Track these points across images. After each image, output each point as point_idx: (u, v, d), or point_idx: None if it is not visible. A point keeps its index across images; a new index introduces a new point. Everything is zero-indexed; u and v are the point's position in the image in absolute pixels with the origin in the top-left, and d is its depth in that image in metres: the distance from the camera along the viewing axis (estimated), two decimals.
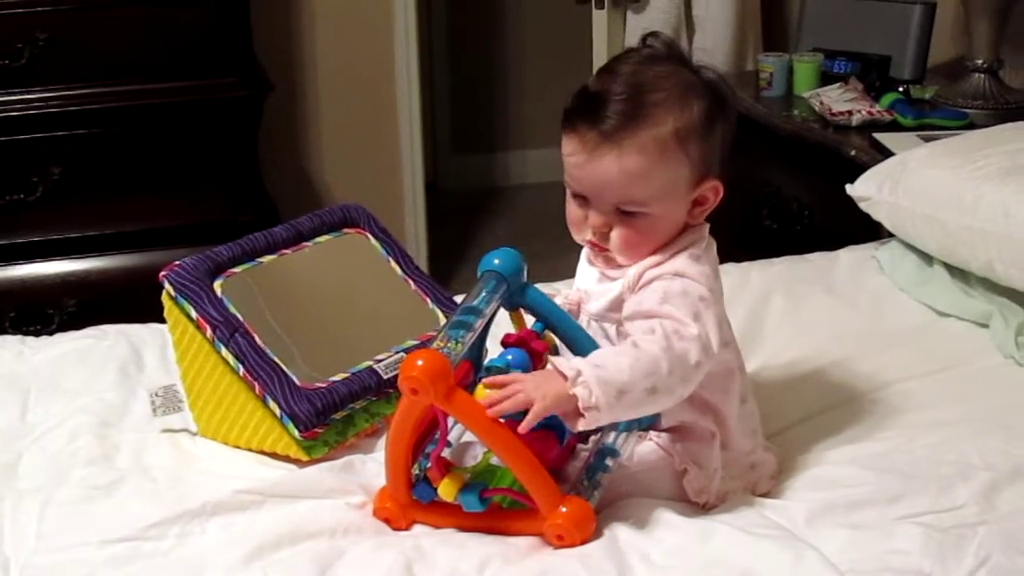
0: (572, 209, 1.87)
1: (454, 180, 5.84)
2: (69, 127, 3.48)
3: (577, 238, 1.89)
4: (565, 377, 1.66)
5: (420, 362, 1.63)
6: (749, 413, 1.94)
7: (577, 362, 1.69)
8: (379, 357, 2.09)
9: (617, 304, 1.84)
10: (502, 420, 1.70)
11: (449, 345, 1.68)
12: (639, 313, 1.77)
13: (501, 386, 1.68)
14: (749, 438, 1.91)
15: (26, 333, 2.66)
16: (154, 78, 3.51)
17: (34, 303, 3.49)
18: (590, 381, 1.65)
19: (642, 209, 1.80)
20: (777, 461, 1.96)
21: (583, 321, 1.89)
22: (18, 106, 3.43)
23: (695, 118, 1.81)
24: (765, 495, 1.90)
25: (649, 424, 1.85)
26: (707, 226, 1.89)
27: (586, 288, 1.92)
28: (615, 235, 1.82)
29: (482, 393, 1.69)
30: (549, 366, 1.72)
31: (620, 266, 1.86)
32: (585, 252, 1.94)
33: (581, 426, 1.67)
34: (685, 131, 1.79)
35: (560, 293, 1.95)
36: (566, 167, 1.85)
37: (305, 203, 4.05)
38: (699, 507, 1.83)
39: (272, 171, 3.93)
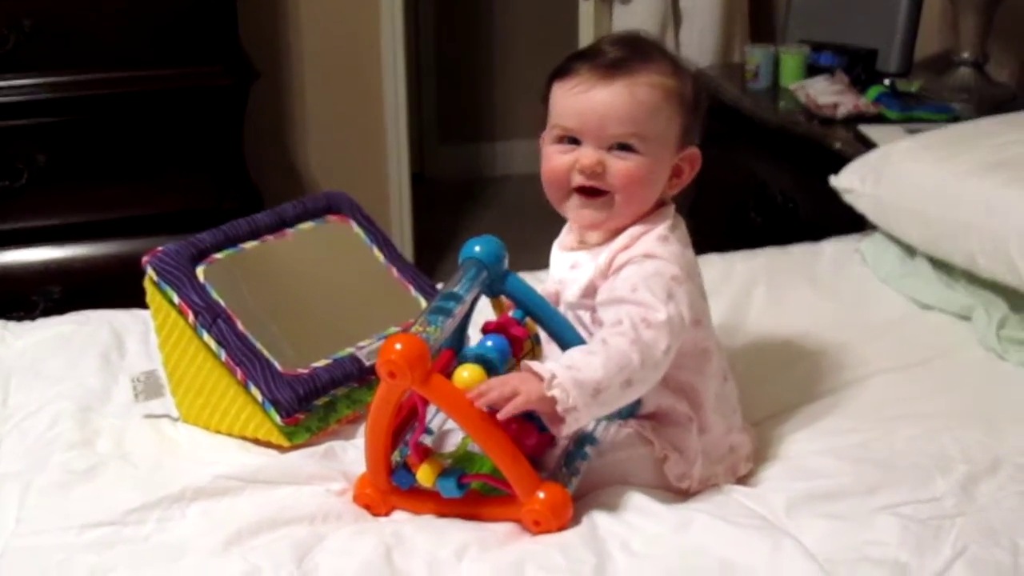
0: (557, 157, 1.85)
1: (441, 170, 5.85)
2: (55, 114, 3.47)
3: (556, 194, 1.87)
4: (541, 379, 1.67)
5: (398, 346, 1.63)
6: (728, 392, 1.95)
7: (550, 366, 1.69)
8: (361, 344, 2.10)
9: (590, 291, 1.84)
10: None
11: (428, 330, 1.68)
12: (611, 300, 1.78)
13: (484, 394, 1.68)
14: (726, 418, 1.92)
15: (9, 319, 2.65)
16: (140, 65, 3.50)
17: (18, 290, 3.48)
18: (565, 383, 1.65)
19: (640, 147, 1.81)
20: (753, 441, 1.97)
21: (561, 311, 1.90)
22: (3, 92, 3.41)
23: (688, 89, 1.84)
24: (745, 478, 1.91)
25: (630, 413, 1.85)
26: (672, 206, 1.90)
27: (560, 277, 1.92)
28: (612, 172, 1.82)
29: (460, 378, 1.70)
30: (523, 368, 1.71)
31: (602, 230, 1.86)
32: (556, 242, 1.95)
33: (564, 431, 1.68)
34: (682, 94, 1.83)
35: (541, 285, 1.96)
36: (559, 108, 1.85)
37: (290, 192, 4.04)
38: (680, 494, 1.84)
39: (257, 159, 3.92)
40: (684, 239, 1.87)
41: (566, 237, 1.95)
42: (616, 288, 1.79)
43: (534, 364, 1.70)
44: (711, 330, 1.93)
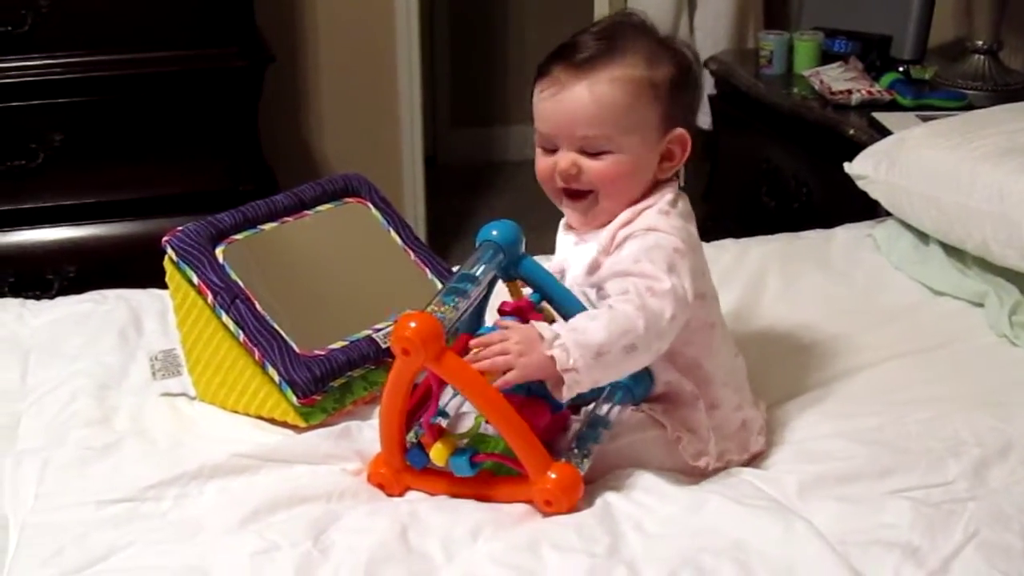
0: (541, 161, 1.89)
1: (454, 154, 5.85)
2: (71, 94, 3.48)
3: (549, 192, 1.91)
4: (543, 339, 1.69)
5: (412, 324, 1.64)
6: (738, 367, 1.96)
7: (556, 327, 1.72)
8: (378, 326, 2.11)
9: (593, 267, 1.86)
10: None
11: (443, 309, 1.69)
12: (615, 273, 1.80)
13: (487, 345, 1.70)
14: (736, 393, 1.93)
15: (26, 298, 2.67)
16: (156, 47, 3.51)
17: (34, 269, 3.50)
18: (568, 344, 1.67)
19: (609, 147, 1.83)
20: (763, 416, 1.98)
21: (568, 284, 1.91)
22: (20, 72, 3.42)
23: (663, 74, 1.84)
24: (758, 460, 1.92)
25: (643, 395, 1.87)
26: (675, 183, 1.91)
27: (564, 256, 1.94)
28: (587, 172, 1.84)
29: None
30: (529, 328, 1.73)
31: (594, 226, 1.88)
32: (562, 222, 1.97)
33: (564, 393, 1.69)
34: (655, 80, 1.83)
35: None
36: (536, 112, 1.89)
37: (304, 174, 4.06)
38: (695, 475, 1.85)
39: (272, 141, 3.93)
40: (687, 214, 1.89)
41: (571, 215, 1.96)
42: (619, 262, 1.81)
43: (541, 325, 1.72)
44: (716, 305, 1.94)
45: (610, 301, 1.75)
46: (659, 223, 1.82)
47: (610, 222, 1.86)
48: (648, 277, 1.75)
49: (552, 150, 1.87)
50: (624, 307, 1.72)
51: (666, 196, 1.87)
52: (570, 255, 1.93)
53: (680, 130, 1.87)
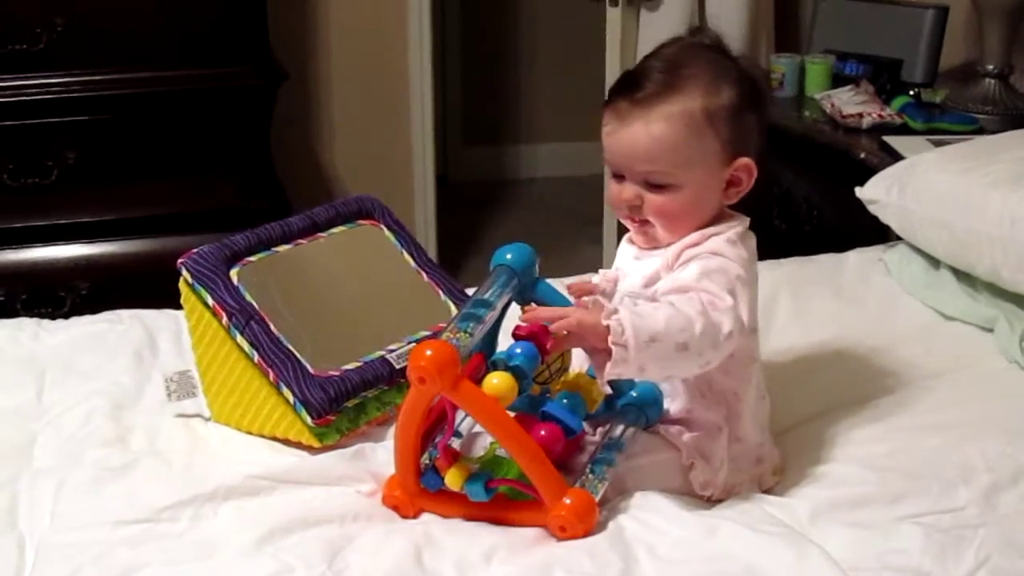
0: (610, 187, 1.93)
1: (465, 172, 5.86)
2: (85, 112, 3.50)
3: (618, 216, 1.96)
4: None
5: (428, 352, 1.65)
6: (765, 407, 1.98)
7: (618, 304, 1.75)
8: (391, 347, 2.12)
9: (652, 281, 1.88)
10: (510, 413, 1.74)
11: (458, 336, 1.70)
12: (675, 288, 1.81)
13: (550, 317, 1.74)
14: (760, 431, 1.95)
15: (38, 315, 2.68)
16: (169, 65, 3.53)
17: (47, 286, 3.51)
18: (624, 320, 1.69)
19: (670, 180, 1.85)
20: (781, 457, 1.99)
21: (616, 299, 1.93)
22: (35, 90, 3.44)
23: (725, 100, 1.85)
24: (769, 490, 1.93)
25: (656, 418, 1.88)
26: (747, 219, 1.93)
27: (621, 266, 1.97)
28: (648, 205, 1.87)
29: (490, 384, 1.71)
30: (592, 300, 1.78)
31: (658, 246, 1.90)
32: (627, 235, 2.00)
33: (609, 369, 1.70)
34: (714, 109, 1.84)
35: (598, 274, 2.02)
36: (604, 144, 1.92)
37: (317, 192, 4.09)
38: (705, 500, 1.86)
39: (284, 160, 3.94)
40: (752, 251, 1.91)
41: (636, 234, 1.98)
42: (681, 278, 1.83)
43: (602, 298, 1.77)
44: (758, 342, 1.96)
45: (671, 298, 1.78)
46: (725, 250, 1.84)
47: (675, 243, 1.89)
48: (710, 293, 1.78)
49: (621, 177, 1.90)
50: (686, 308, 1.74)
51: (735, 228, 1.89)
52: (628, 266, 1.96)
53: (744, 159, 1.89)
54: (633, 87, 1.86)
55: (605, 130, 1.90)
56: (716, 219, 1.90)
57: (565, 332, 1.73)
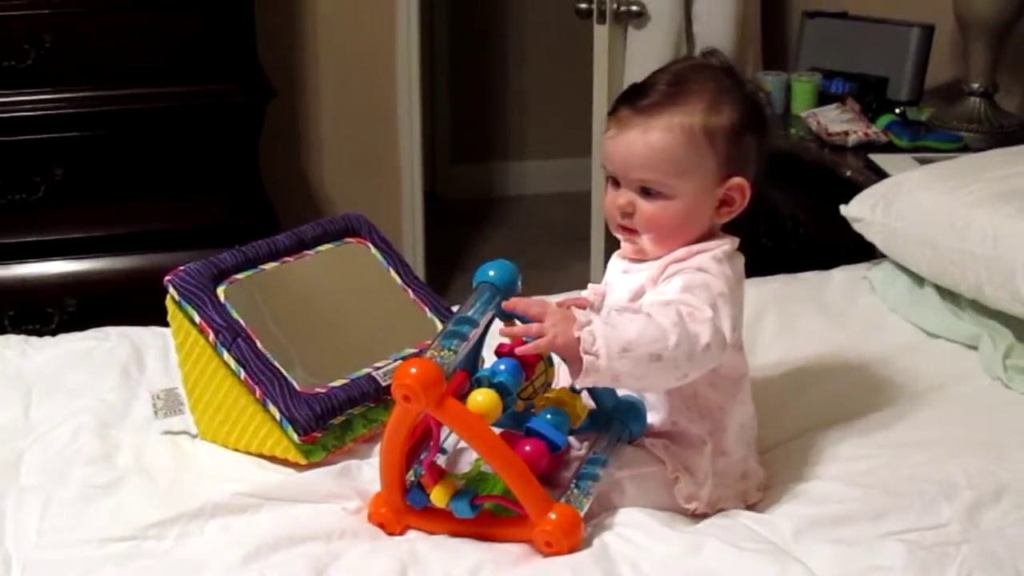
0: (607, 194, 1.95)
1: (453, 189, 5.87)
2: (73, 129, 3.50)
3: (611, 226, 1.96)
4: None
5: (413, 370, 1.66)
6: (752, 425, 1.99)
7: (592, 315, 1.77)
8: (378, 364, 2.13)
9: (639, 294, 1.89)
10: (495, 431, 1.75)
11: (443, 354, 1.71)
12: (657, 303, 1.82)
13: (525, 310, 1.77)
14: (745, 447, 1.96)
15: (26, 332, 2.68)
16: (157, 82, 3.53)
17: (34, 302, 3.51)
18: (596, 331, 1.72)
19: (663, 190, 1.87)
20: (766, 474, 2.00)
21: (603, 312, 1.93)
22: (23, 107, 3.44)
23: (725, 119, 1.87)
24: (753, 506, 1.93)
25: (639, 433, 1.89)
26: (737, 240, 1.94)
27: (610, 280, 1.99)
28: (640, 213, 1.89)
29: (474, 401, 1.72)
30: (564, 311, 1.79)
31: (646, 258, 1.92)
32: (617, 251, 2.01)
33: (581, 378, 1.73)
34: (713, 126, 1.86)
35: (587, 289, 2.03)
36: (603, 150, 1.95)
37: (305, 209, 4.09)
38: (690, 515, 1.87)
39: (273, 176, 3.95)
40: (739, 272, 1.92)
41: (626, 246, 1.99)
42: (664, 292, 1.84)
43: (576, 310, 1.78)
44: (745, 360, 1.97)
45: (649, 310, 1.79)
46: (710, 267, 1.85)
47: (662, 257, 1.90)
48: (690, 306, 1.79)
49: (617, 184, 1.92)
50: (661, 319, 1.75)
51: (723, 247, 1.90)
52: (615, 280, 1.98)
53: (738, 179, 1.90)
54: (638, 96, 1.89)
55: (606, 135, 1.93)
56: (706, 237, 1.91)
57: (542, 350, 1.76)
